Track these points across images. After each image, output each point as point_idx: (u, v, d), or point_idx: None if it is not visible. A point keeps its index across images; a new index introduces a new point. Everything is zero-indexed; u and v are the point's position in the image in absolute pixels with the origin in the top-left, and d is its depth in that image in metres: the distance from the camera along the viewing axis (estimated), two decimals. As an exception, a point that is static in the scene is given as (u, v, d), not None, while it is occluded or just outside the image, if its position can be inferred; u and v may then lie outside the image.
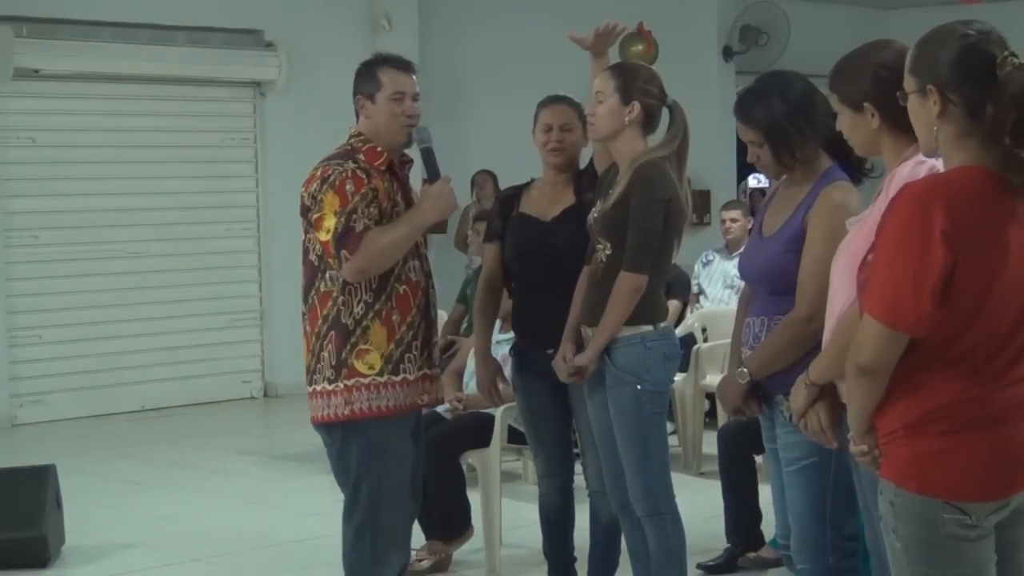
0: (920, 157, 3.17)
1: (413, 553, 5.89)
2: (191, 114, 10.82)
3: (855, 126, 3.38)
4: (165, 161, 10.72)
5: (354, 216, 4.24)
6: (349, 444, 4.39)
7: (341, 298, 4.32)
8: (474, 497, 6.02)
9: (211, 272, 10.93)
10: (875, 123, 3.30)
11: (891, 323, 2.75)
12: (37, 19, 9.96)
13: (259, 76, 11.09)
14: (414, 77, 4.46)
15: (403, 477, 4.43)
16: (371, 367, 4.32)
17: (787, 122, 3.87)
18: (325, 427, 4.42)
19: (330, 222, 4.24)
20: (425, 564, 5.92)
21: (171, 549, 6.50)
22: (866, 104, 3.30)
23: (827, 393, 3.40)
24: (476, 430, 5.99)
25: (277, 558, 6.36)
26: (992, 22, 2.85)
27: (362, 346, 4.32)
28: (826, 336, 3.34)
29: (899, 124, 3.15)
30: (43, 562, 6.09)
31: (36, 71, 9.96)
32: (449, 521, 5.99)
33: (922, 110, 2.84)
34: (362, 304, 4.32)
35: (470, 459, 6.06)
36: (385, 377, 4.34)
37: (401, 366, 4.36)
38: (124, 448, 9.16)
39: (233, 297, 11.18)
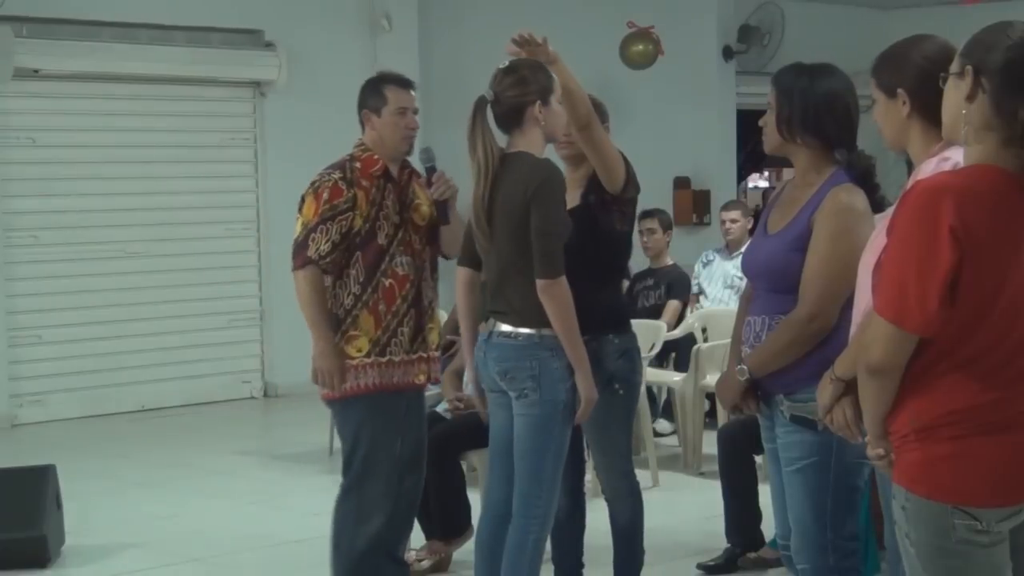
0: (945, 154, 3.15)
1: (413, 553, 5.91)
2: (191, 114, 10.83)
3: (888, 113, 3.35)
4: (165, 161, 10.72)
5: (313, 235, 4.75)
6: (345, 417, 4.93)
7: (332, 292, 4.85)
8: (474, 497, 6.02)
9: (211, 272, 10.93)
10: (905, 111, 3.29)
11: (897, 321, 2.72)
12: (37, 19, 9.96)
13: (259, 76, 11.10)
14: (413, 93, 4.98)
15: (390, 449, 4.85)
16: (359, 350, 4.82)
17: (800, 99, 3.85)
18: (327, 402, 4.95)
19: (298, 228, 4.82)
20: (425, 564, 5.92)
21: (171, 549, 6.50)
22: (899, 90, 3.30)
23: (853, 388, 3.37)
24: (476, 430, 5.95)
25: (277, 558, 6.36)
26: (992, 22, 2.83)
27: (352, 332, 4.82)
28: (853, 331, 3.32)
29: (929, 115, 3.15)
30: (43, 562, 6.10)
31: (36, 71, 9.97)
32: (449, 521, 5.99)
33: (954, 91, 2.82)
34: (351, 296, 4.82)
35: (470, 459, 6.05)
36: (372, 359, 4.82)
37: (388, 349, 4.84)
38: (124, 448, 9.16)
39: (233, 297, 11.18)
